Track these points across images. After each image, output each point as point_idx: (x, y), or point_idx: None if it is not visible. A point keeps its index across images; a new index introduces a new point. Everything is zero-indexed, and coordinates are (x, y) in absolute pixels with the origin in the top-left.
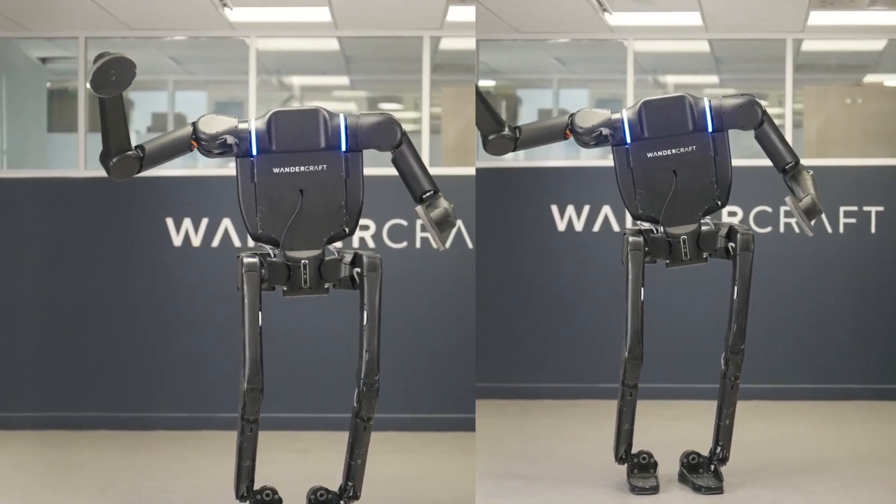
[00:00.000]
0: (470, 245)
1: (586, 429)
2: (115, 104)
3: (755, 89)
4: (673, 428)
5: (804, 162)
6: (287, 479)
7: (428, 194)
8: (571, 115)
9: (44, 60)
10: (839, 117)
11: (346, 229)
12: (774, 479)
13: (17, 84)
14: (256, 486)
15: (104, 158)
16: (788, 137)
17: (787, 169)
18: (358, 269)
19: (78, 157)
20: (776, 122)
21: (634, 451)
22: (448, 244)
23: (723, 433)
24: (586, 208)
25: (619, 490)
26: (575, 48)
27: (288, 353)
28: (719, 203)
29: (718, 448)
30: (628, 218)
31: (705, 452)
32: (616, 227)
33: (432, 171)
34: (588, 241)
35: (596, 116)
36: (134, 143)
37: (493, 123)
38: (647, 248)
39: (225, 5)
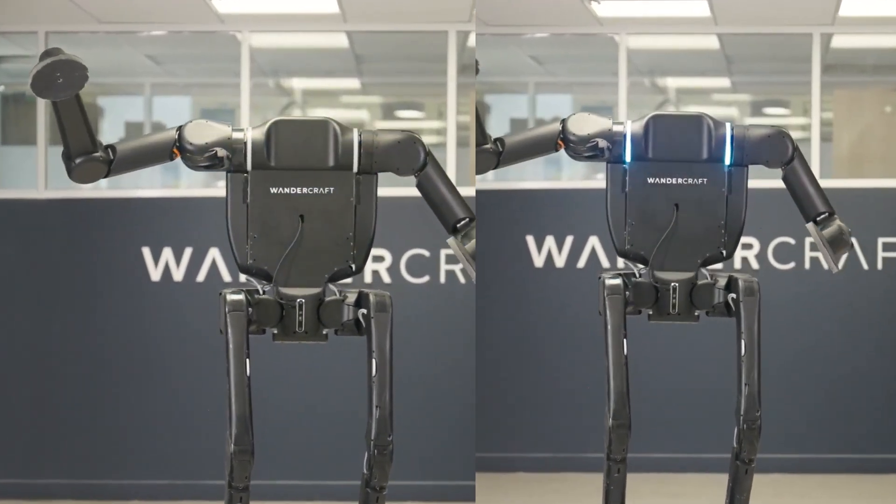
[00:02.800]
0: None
1: None
2: (69, 105)
3: (775, 95)
4: None
5: (833, 184)
6: None
7: (463, 223)
8: (563, 121)
9: None
10: (877, 128)
11: (353, 265)
12: None
13: None
14: None
15: (65, 159)
16: (815, 153)
17: (819, 220)
18: (364, 311)
19: (37, 174)
20: (801, 134)
21: None
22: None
23: None
24: (569, 240)
25: None
26: (555, 44)
27: (282, 408)
28: (724, 253)
29: None
30: None
31: None
32: (606, 263)
33: (461, 190)
34: (571, 280)
35: (594, 123)
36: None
37: (478, 135)
38: (628, 294)
39: None
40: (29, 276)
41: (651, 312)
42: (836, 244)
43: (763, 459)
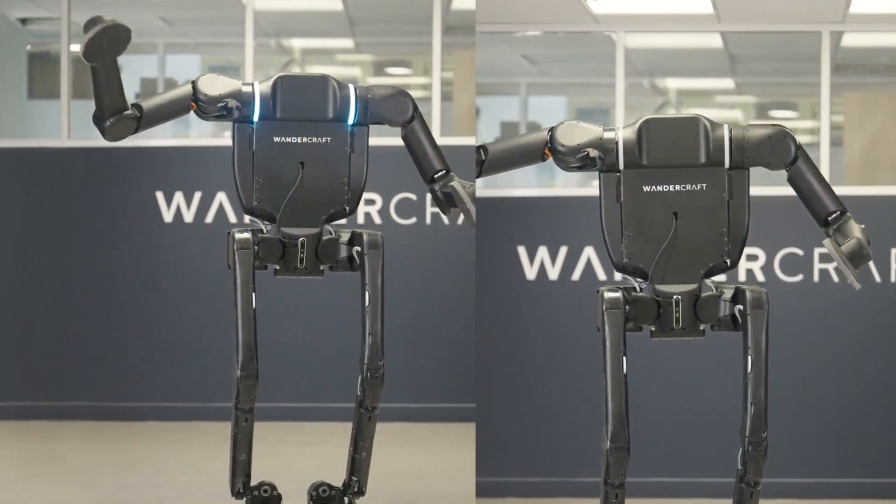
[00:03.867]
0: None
1: None
2: (109, 69)
3: (782, 97)
4: None
5: (843, 191)
6: (286, 473)
7: (440, 174)
8: (551, 130)
9: (24, 21)
10: (890, 132)
11: (347, 208)
12: None
13: None
14: (253, 482)
15: (98, 120)
16: (825, 158)
17: (832, 220)
18: (357, 248)
19: (61, 125)
20: (810, 138)
21: None
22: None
23: None
24: (563, 251)
25: None
26: (549, 43)
27: (285, 337)
28: (728, 262)
29: None
30: None
31: None
32: (602, 276)
33: (443, 140)
34: (565, 293)
35: (583, 132)
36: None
37: (118, 100)
38: (628, 309)
39: None
40: (53, 217)
41: (653, 329)
42: (857, 259)
43: (769, 483)
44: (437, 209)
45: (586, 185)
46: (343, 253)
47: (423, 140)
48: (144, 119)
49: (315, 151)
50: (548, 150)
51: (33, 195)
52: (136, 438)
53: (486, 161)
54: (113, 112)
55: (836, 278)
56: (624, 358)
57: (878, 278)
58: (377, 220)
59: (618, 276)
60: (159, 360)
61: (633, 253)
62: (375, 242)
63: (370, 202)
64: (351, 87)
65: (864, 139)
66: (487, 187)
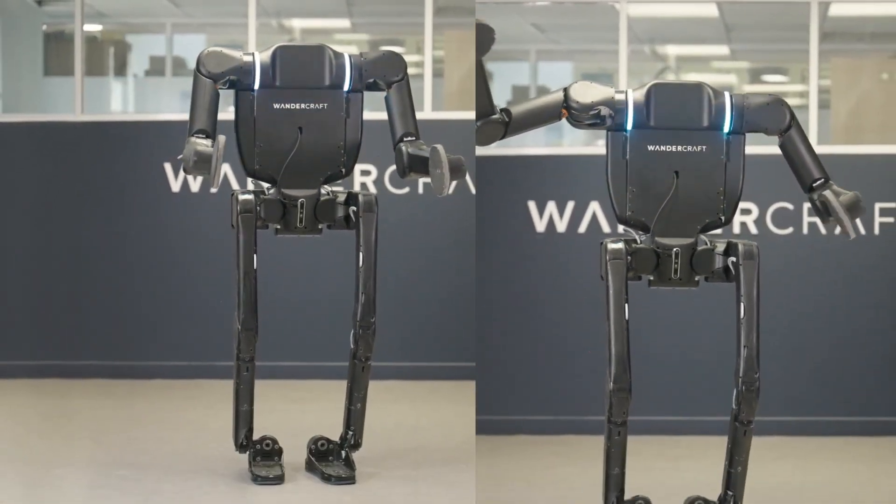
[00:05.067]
0: (473, 191)
1: (569, 471)
2: (478, 69)
3: (773, 62)
4: (674, 469)
5: (831, 150)
6: (286, 429)
7: (410, 138)
8: (566, 89)
9: (39, 2)
10: (874, 96)
11: (343, 170)
12: None
13: (12, 27)
14: (256, 437)
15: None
16: (813, 120)
17: (816, 186)
18: (353, 209)
19: (74, 101)
20: (799, 101)
21: (629, 496)
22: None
23: (734, 480)
24: (570, 205)
25: None
26: (556, 13)
27: (284, 299)
28: (722, 219)
29: (729, 495)
30: None
31: (714, 498)
32: (606, 229)
33: (434, 115)
34: (572, 245)
35: (596, 91)
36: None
37: (486, 105)
38: (630, 259)
39: None
40: (68, 186)
41: (651, 278)
42: (854, 210)
43: (762, 422)
44: (426, 179)
45: (592, 145)
46: (340, 212)
47: (406, 100)
48: (513, 125)
49: (313, 117)
50: (564, 108)
51: (49, 165)
52: (145, 395)
53: (510, 122)
54: (480, 115)
55: (823, 231)
56: (626, 305)
57: (863, 231)
58: (372, 189)
59: (620, 228)
60: (166, 322)
61: (636, 207)
62: (370, 204)
63: (366, 172)
64: (346, 54)
65: (849, 102)
66: (501, 147)
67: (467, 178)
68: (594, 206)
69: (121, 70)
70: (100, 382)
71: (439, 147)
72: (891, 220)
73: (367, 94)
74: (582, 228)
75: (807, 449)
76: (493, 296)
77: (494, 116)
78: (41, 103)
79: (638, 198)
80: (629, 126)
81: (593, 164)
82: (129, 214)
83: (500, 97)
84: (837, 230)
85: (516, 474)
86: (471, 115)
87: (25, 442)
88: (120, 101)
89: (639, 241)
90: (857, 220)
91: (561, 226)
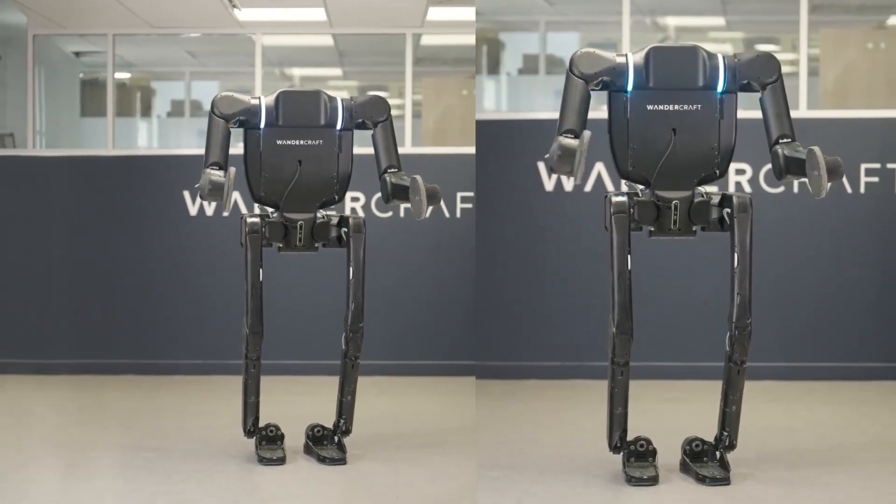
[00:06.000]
0: (447, 215)
1: (576, 413)
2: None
3: (766, 32)
4: (673, 412)
5: (819, 114)
6: (288, 417)
7: (393, 170)
8: (571, 59)
9: (77, 54)
10: (860, 64)
11: (336, 196)
12: (787, 469)
13: (53, 75)
14: (261, 424)
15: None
16: (803, 86)
17: (783, 142)
18: (345, 230)
19: (106, 138)
20: (790, 69)
21: (631, 437)
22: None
23: (729, 419)
24: None
25: (614, 482)
26: None
27: (286, 307)
28: (717, 172)
29: (724, 435)
30: None
31: (710, 439)
32: (610, 187)
33: (413, 149)
34: (579, 203)
35: (600, 61)
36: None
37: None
38: (632, 212)
39: (234, 6)
40: (101, 211)
41: (652, 229)
42: (833, 173)
43: (755, 367)
44: (407, 204)
45: (595, 109)
46: (333, 233)
47: (390, 139)
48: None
49: (310, 152)
50: (586, 85)
51: (85, 193)
52: (167, 389)
53: (580, 134)
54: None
55: (810, 190)
56: (629, 256)
57: (849, 189)
58: (360, 212)
59: (623, 186)
60: (185, 326)
61: (637, 163)
62: (359, 226)
63: (355, 199)
64: (339, 98)
65: (837, 70)
66: (512, 111)
67: (444, 207)
68: (599, 167)
69: (146, 112)
70: (129, 378)
71: (418, 177)
72: (875, 179)
73: (356, 131)
74: (588, 187)
75: (794, 392)
76: (507, 248)
77: (572, 140)
78: (78, 140)
79: (638, 154)
80: (630, 88)
81: (597, 127)
82: (153, 235)
83: (511, 64)
84: (811, 187)
85: (524, 417)
86: (445, 150)
87: (65, 429)
88: (145, 138)
89: (640, 195)
90: (844, 179)
91: (568, 185)
